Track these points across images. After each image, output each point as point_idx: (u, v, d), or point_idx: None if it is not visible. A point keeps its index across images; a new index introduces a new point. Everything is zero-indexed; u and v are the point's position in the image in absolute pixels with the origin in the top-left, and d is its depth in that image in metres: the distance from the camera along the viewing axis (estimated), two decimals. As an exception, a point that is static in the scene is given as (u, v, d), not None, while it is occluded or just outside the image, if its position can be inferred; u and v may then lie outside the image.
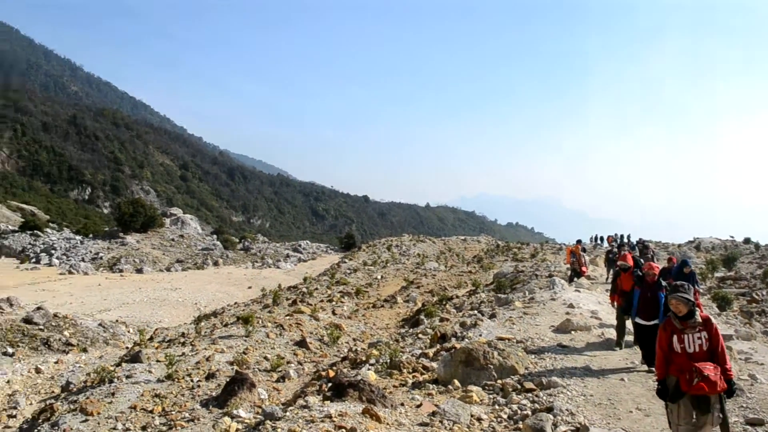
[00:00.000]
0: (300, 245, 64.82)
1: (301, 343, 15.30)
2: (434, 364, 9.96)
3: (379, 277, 33.84)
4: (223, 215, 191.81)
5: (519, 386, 8.55)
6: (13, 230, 58.91)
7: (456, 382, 8.89)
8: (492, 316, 14.52)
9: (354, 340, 17.40)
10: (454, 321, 15.36)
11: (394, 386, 9.00)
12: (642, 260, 14.43)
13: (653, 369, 9.10)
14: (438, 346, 11.52)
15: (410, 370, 9.91)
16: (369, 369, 10.32)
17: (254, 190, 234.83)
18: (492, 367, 9.15)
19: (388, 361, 10.40)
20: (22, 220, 70.02)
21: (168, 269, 47.13)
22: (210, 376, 11.48)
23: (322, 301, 24.18)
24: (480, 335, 11.92)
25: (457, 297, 22.91)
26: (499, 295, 19.18)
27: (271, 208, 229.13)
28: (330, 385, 8.75)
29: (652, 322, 9.35)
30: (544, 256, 35.84)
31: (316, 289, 28.36)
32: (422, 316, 18.05)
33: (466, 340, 11.50)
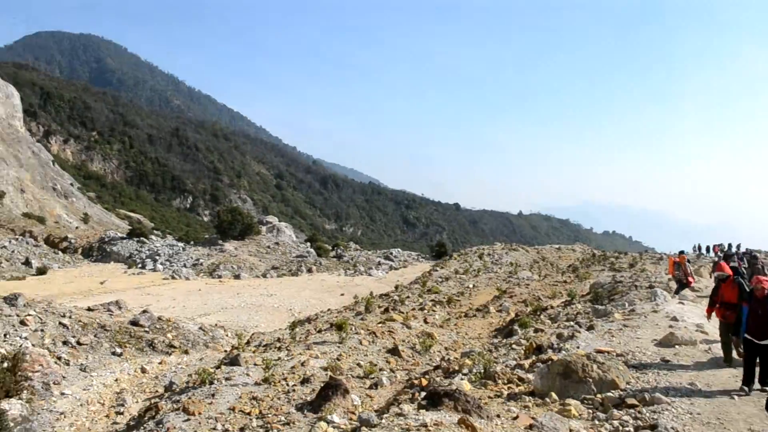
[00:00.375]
0: (391, 253, 65.21)
1: (394, 351, 15.34)
2: (530, 376, 9.73)
3: (470, 285, 33.52)
4: (317, 223, 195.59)
5: (620, 401, 8.21)
6: (122, 237, 62.27)
7: (553, 394, 8.64)
8: (590, 328, 14.05)
9: (446, 349, 17.27)
10: (550, 332, 14.97)
11: (489, 397, 8.85)
12: (747, 271, 13.56)
13: (767, 388, 8.52)
14: (534, 358, 11.26)
15: (505, 381, 9.72)
16: (462, 379, 10.21)
17: (346, 198, 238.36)
18: (591, 380, 8.83)
19: (482, 371, 10.25)
20: (130, 227, 74.09)
21: (264, 275, 48.47)
22: (305, 381, 11.68)
23: (413, 309, 24.16)
24: (577, 347, 11.56)
25: (552, 307, 22.34)
26: (597, 306, 18.55)
27: (363, 216, 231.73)
28: (424, 393, 8.71)
29: (765, 342, 8.67)
30: (644, 266, 34.43)
31: (408, 297, 28.37)
32: (516, 327, 17.70)
33: (563, 351, 11.17)
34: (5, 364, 11.96)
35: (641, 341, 12.27)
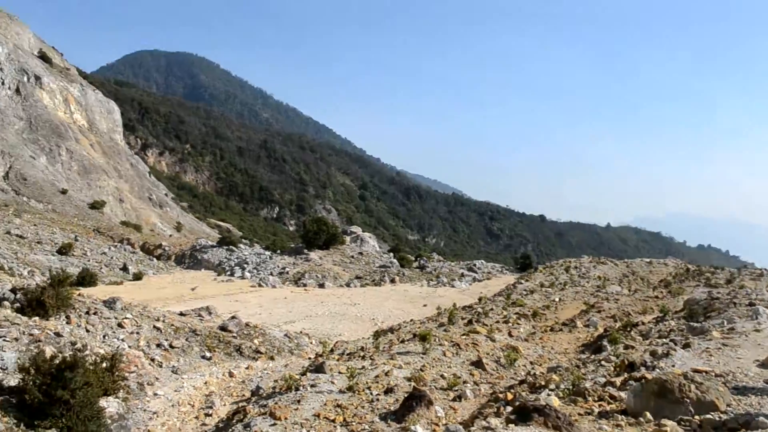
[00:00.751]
0: (474, 264, 64.57)
1: (478, 364, 15.13)
2: (622, 394, 9.37)
3: (556, 299, 32.72)
4: (400, 234, 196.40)
5: (720, 425, 7.76)
6: (212, 245, 64.45)
7: (648, 414, 8.27)
8: (686, 346, 13.41)
9: (531, 363, 16.89)
10: (641, 349, 14.40)
11: (579, 414, 8.57)
12: None
13: None
14: (625, 375, 10.84)
15: (596, 399, 9.39)
16: (549, 394, 9.94)
17: (429, 209, 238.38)
18: (688, 401, 8.40)
19: (571, 387, 9.95)
20: (220, 236, 76.63)
21: (348, 285, 48.98)
22: (388, 391, 11.67)
23: (497, 321, 23.81)
24: (673, 366, 11.05)
25: (643, 323, 21.50)
26: (692, 323, 17.71)
27: (446, 227, 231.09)
28: (510, 408, 8.53)
29: None
30: (742, 282, 32.70)
31: (492, 309, 27.98)
32: (605, 342, 17.13)
33: (658, 370, 10.70)
34: (104, 364, 12.54)
35: (742, 362, 11.61)
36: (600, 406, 9.04)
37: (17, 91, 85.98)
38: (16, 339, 13.40)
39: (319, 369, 13.98)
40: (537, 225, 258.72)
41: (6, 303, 16.37)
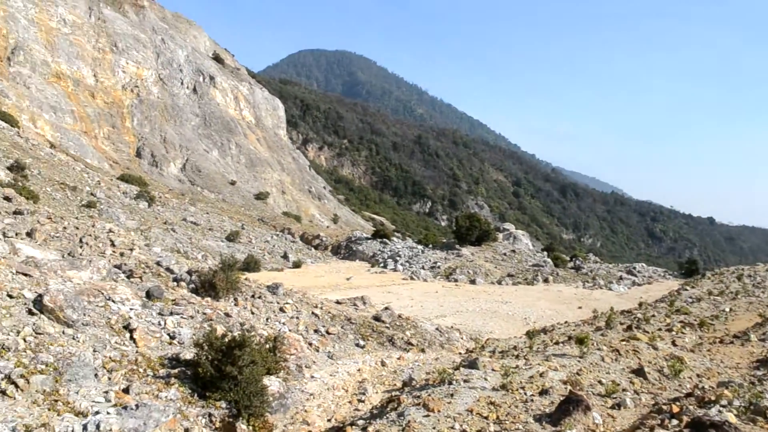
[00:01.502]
0: (634, 267, 61.33)
1: (639, 372, 14.33)
2: (808, 417, 8.47)
3: (726, 309, 30.26)
4: (554, 232, 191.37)
5: None
6: (367, 237, 66.29)
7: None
8: None
9: (698, 376, 15.73)
10: (831, 369, 12.95)
11: (759, 435, 7.87)
12: None
13: None
14: (811, 396, 9.80)
15: (777, 420, 8.57)
16: (721, 410, 9.20)
17: (586, 208, 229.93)
18: None
19: (747, 405, 9.14)
20: (374, 228, 78.68)
21: (499, 282, 48.41)
22: (543, 392, 11.37)
23: (659, 329, 22.42)
24: None
25: (832, 341, 19.35)
26: None
27: (603, 227, 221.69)
28: (676, 422, 7.99)
29: None
30: None
31: (653, 316, 26.43)
32: (785, 359, 15.60)
33: None
34: (268, 345, 13.29)
35: None
36: (783, 428, 8.25)
37: (194, 90, 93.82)
38: (191, 317, 14.54)
39: (472, 365, 13.92)
40: (705, 228, 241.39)
41: (182, 283, 17.84)
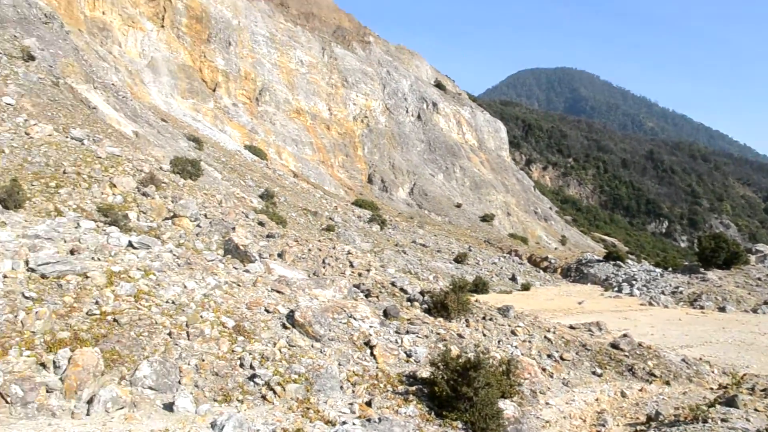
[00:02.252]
0: None
1: None
2: None
3: None
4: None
5: None
6: (598, 260, 63.32)
7: None
8: None
9: None
10: None
11: None
12: None
13: None
14: None
15: None
16: None
17: None
18: None
19: None
20: (605, 250, 74.97)
21: (754, 310, 43.23)
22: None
23: None
24: None
25: None
26: None
27: None
28: None
29: None
30: None
31: None
32: None
33: None
34: (501, 368, 13.05)
35: None
36: None
37: (418, 117, 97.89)
38: (426, 336, 14.82)
39: (730, 402, 12.47)
40: None
41: (416, 303, 18.31)
